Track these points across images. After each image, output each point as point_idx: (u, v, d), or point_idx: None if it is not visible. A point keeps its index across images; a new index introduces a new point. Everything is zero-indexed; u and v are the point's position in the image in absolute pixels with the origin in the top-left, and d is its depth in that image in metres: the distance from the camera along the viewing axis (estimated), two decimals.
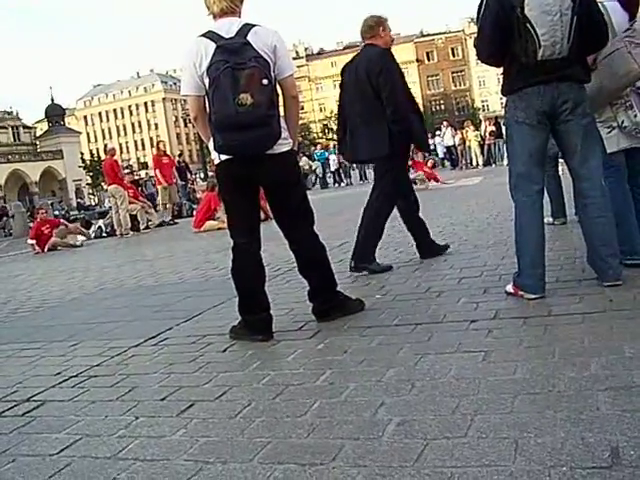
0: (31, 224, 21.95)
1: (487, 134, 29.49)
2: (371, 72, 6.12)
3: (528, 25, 4.18)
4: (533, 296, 4.41)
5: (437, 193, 16.66)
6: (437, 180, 20.65)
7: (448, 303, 4.68)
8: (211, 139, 4.37)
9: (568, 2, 4.18)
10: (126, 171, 21.70)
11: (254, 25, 4.33)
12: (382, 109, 6.08)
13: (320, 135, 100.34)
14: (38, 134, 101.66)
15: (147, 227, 19.23)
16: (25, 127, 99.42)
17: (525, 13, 4.17)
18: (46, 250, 16.48)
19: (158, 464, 2.68)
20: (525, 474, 2.15)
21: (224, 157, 4.38)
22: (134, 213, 18.84)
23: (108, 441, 3.01)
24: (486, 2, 4.36)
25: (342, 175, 34.63)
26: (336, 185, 34.03)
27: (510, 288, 4.61)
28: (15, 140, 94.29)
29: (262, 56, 4.20)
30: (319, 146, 40.14)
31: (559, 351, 3.32)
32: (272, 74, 4.26)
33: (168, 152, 25.89)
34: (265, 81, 4.14)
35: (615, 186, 4.76)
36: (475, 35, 4.67)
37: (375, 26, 6.36)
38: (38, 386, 4.07)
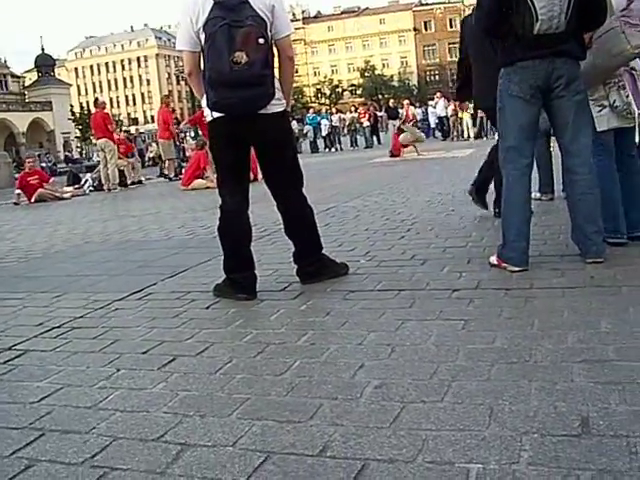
0: (17, 175, 21.85)
1: None
2: None
3: None
4: (516, 268, 4.45)
5: (427, 163, 16.65)
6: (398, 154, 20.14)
7: (432, 271, 4.72)
8: (204, 96, 4.36)
9: None
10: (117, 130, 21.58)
11: None
12: None
13: (313, 99, 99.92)
14: (27, 84, 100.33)
15: (138, 182, 19.22)
16: (13, 76, 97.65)
17: None
18: (33, 201, 16.43)
19: (138, 415, 2.71)
20: (498, 439, 2.19)
21: (216, 115, 4.37)
22: (122, 168, 18.80)
23: (89, 391, 3.04)
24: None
25: (333, 140, 34.55)
26: (326, 150, 33.95)
27: (494, 259, 4.64)
28: (2, 89, 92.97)
29: (259, 15, 4.18)
30: (311, 110, 39.98)
31: (538, 323, 3.37)
32: (269, 33, 4.26)
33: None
34: (261, 40, 4.13)
35: (603, 164, 4.79)
36: (474, 6, 4.66)
37: None
38: (20, 336, 4.08)
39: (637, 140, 5.08)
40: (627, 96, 4.78)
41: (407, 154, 19.62)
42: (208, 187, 13.52)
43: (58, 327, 4.21)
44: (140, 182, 19.54)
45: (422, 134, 20.69)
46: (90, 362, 3.45)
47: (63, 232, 9.58)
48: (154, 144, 28.95)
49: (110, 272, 5.92)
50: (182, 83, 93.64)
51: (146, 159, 32.70)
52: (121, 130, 23.97)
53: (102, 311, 4.52)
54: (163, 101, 22.75)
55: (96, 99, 20.26)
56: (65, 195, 17.25)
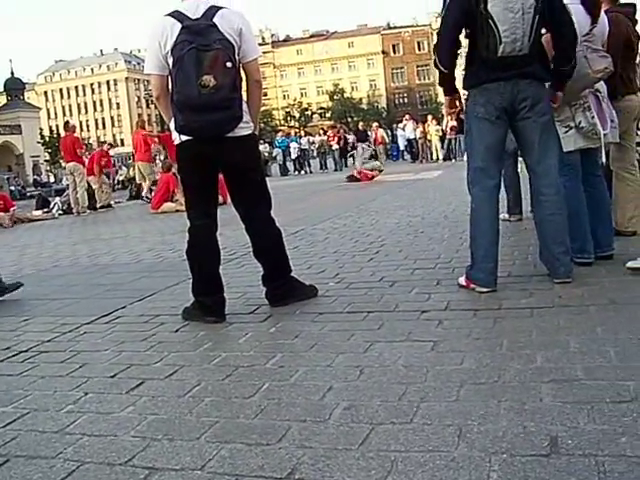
0: None
1: (448, 129, 29.63)
2: None
3: (490, 21, 4.23)
4: (484, 289, 4.47)
5: (396, 185, 16.71)
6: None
7: (401, 293, 4.73)
8: (172, 119, 4.36)
9: (531, 1, 4.24)
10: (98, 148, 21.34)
11: (221, 7, 4.33)
12: None
13: (282, 122, 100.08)
14: None
15: (107, 205, 19.09)
16: None
17: (488, 9, 4.22)
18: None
19: (105, 439, 2.68)
20: (467, 459, 2.19)
21: (184, 138, 4.37)
22: (95, 187, 18.70)
23: (56, 416, 3.00)
24: (449, 5, 4.42)
25: (302, 163, 34.63)
26: (296, 173, 34.02)
27: (462, 281, 4.67)
28: None
29: (227, 39, 4.20)
30: (280, 133, 40.05)
31: (507, 343, 3.39)
32: (236, 57, 4.27)
33: (129, 132, 25.63)
34: (229, 64, 4.14)
35: (570, 185, 4.84)
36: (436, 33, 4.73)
37: None
38: None
39: (603, 160, 5.16)
40: (592, 117, 4.86)
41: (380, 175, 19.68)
42: (177, 210, 13.45)
43: (25, 351, 4.16)
44: (109, 205, 19.40)
45: (379, 163, 20.66)
46: (57, 386, 3.41)
47: (31, 256, 9.49)
48: (124, 167, 28.85)
49: (78, 296, 5.87)
50: (152, 106, 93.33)
51: (115, 182, 32.54)
52: (104, 143, 23.49)
53: (70, 335, 4.48)
54: (139, 125, 22.63)
55: (67, 122, 20.08)
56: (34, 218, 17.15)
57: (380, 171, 19.95)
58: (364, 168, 19.59)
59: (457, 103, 4.79)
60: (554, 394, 2.68)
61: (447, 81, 4.60)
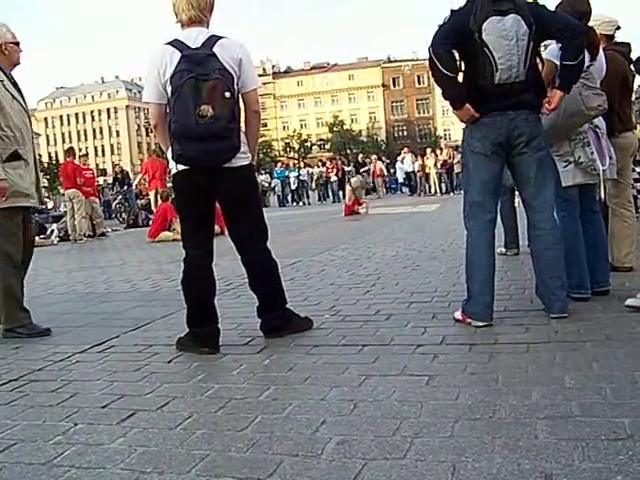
0: None
1: (439, 164, 30.01)
2: None
3: (485, 49, 4.26)
4: (480, 324, 4.45)
5: (394, 218, 16.74)
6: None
7: (396, 326, 4.70)
8: (170, 148, 4.36)
9: (524, 28, 4.27)
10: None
11: (221, 37, 4.35)
12: None
13: (282, 153, 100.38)
14: None
15: (101, 234, 19.00)
16: None
17: (483, 37, 4.25)
18: None
19: (93, 472, 2.64)
20: None
21: (181, 167, 4.36)
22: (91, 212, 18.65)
23: (44, 447, 2.95)
24: (442, 25, 4.42)
25: (301, 194, 34.72)
26: (294, 204, 34.08)
27: (458, 315, 4.65)
28: None
29: (226, 69, 4.21)
30: (280, 164, 40.15)
31: (502, 379, 3.36)
32: (235, 87, 4.28)
33: (128, 160, 25.64)
34: (227, 94, 4.15)
35: (568, 220, 4.86)
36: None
37: None
38: None
39: (602, 196, 5.18)
40: (592, 153, 4.88)
41: (371, 209, 19.55)
42: (175, 239, 13.41)
43: (15, 380, 4.11)
44: (103, 234, 19.27)
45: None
46: (47, 416, 3.37)
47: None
48: (120, 195, 28.77)
49: (72, 324, 5.83)
50: (151, 135, 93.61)
51: (112, 209, 32.44)
52: (82, 156, 23.07)
53: (62, 364, 4.44)
54: (155, 152, 22.51)
55: (70, 149, 20.01)
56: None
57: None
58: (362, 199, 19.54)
59: (472, 111, 4.50)
60: (549, 431, 2.66)
61: (453, 88, 4.49)
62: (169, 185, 20.45)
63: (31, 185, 5.55)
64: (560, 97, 4.49)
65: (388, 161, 38.54)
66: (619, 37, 6.18)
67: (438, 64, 4.37)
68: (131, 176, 33.31)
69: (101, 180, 55.85)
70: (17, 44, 5.55)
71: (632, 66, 5.86)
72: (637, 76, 6.06)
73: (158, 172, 20.50)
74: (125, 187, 27.77)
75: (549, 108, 4.51)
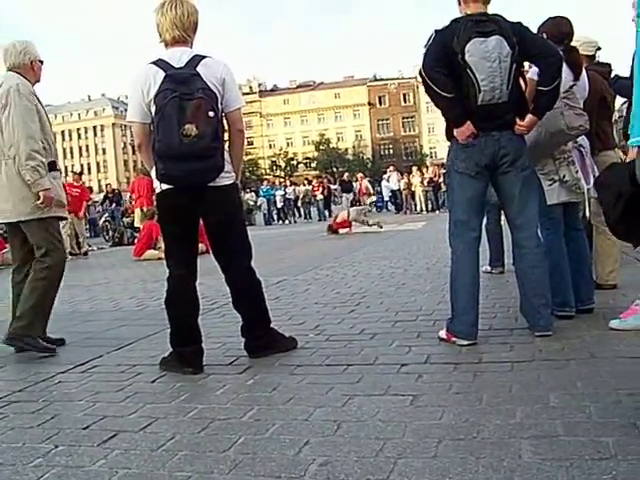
0: None
1: (425, 182, 30.13)
2: None
3: (468, 70, 4.28)
4: (465, 342, 4.45)
5: (379, 236, 16.73)
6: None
7: (381, 345, 4.69)
8: (154, 167, 4.35)
9: (507, 49, 4.29)
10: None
11: (205, 56, 4.36)
12: None
13: (268, 171, 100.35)
14: None
15: (84, 254, 18.91)
16: None
17: (466, 59, 4.27)
18: None
19: None
20: None
21: (165, 186, 4.36)
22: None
23: (22, 470, 2.91)
24: (429, 44, 4.43)
25: (287, 213, 34.74)
26: (280, 222, 34.09)
27: (443, 334, 4.64)
28: None
29: (210, 88, 4.22)
30: (266, 182, 40.21)
31: (486, 398, 3.36)
32: (219, 106, 4.28)
33: (114, 178, 25.60)
34: (211, 113, 4.15)
35: (552, 238, 4.88)
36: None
37: None
38: None
39: (587, 214, 5.20)
40: (576, 172, 4.91)
41: (357, 228, 19.44)
42: (160, 258, 13.33)
43: None
44: (86, 253, 19.16)
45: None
46: (27, 438, 3.32)
47: (7, 301, 9.35)
48: (107, 213, 28.73)
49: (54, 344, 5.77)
50: (137, 153, 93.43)
51: (99, 227, 32.33)
52: (75, 173, 22.96)
53: (43, 384, 4.39)
54: (142, 171, 22.49)
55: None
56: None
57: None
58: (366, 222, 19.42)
59: (472, 127, 4.44)
60: (533, 451, 2.65)
61: (452, 108, 4.48)
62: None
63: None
64: (533, 122, 4.51)
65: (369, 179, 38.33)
66: (600, 57, 6.24)
67: (434, 87, 4.38)
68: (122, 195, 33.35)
69: None
70: (42, 62, 5.67)
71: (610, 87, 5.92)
72: (617, 96, 6.11)
73: (144, 190, 20.44)
74: (113, 205, 27.79)
75: (519, 129, 4.50)
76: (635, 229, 3.45)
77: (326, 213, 32.87)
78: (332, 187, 34.83)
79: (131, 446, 3.10)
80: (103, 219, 28.45)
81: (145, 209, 19.18)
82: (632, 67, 3.87)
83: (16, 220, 5.39)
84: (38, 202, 5.25)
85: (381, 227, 18.88)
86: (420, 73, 4.48)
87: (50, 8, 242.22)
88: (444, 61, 4.36)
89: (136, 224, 21.19)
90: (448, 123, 4.61)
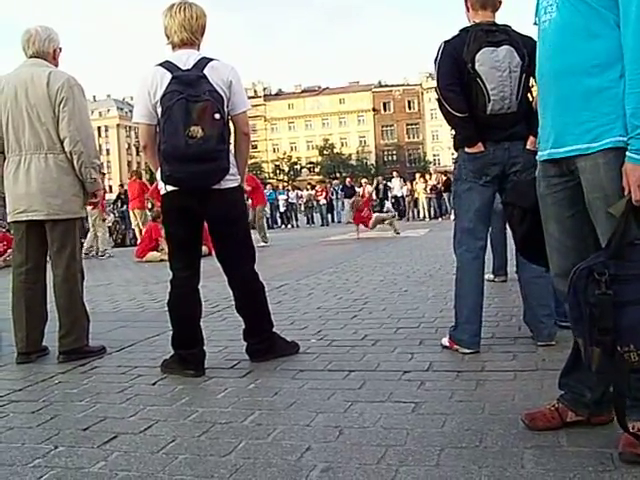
0: None
1: (442, 186, 30.03)
2: None
3: (478, 79, 4.26)
4: (468, 351, 4.43)
5: (382, 243, 16.72)
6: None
7: (383, 352, 4.68)
8: (159, 169, 4.34)
9: (517, 60, 4.28)
10: None
11: (212, 59, 4.36)
12: None
13: (271, 175, 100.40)
14: None
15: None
16: None
17: (476, 68, 4.26)
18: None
19: None
20: None
21: (170, 188, 4.35)
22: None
23: (21, 471, 2.89)
24: (440, 57, 4.43)
25: (290, 217, 34.75)
26: (283, 226, 34.10)
27: (446, 341, 4.63)
28: None
29: (217, 90, 4.22)
30: (269, 186, 40.18)
31: (489, 407, 3.34)
32: (225, 109, 4.28)
33: (118, 179, 25.60)
34: (217, 115, 4.14)
35: None
36: (434, 89, 4.71)
37: None
38: None
39: None
40: None
41: (362, 233, 19.48)
42: (162, 259, 13.34)
43: None
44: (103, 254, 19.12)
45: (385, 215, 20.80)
46: (26, 438, 3.31)
47: (6, 301, 9.34)
48: (111, 214, 28.75)
49: (55, 344, 5.76)
50: (142, 154, 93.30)
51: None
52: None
53: (44, 384, 4.38)
54: (135, 174, 22.50)
55: None
56: None
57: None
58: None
59: (482, 147, 4.45)
60: (536, 461, 2.64)
61: (465, 128, 4.47)
62: (148, 205, 20.51)
63: None
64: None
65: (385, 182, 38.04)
66: None
67: (448, 107, 4.41)
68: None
69: None
70: (61, 50, 5.45)
71: None
72: None
73: (136, 193, 20.48)
74: (124, 207, 27.75)
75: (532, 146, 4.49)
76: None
77: (329, 217, 32.86)
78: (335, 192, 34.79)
79: (131, 448, 3.09)
80: (112, 219, 28.44)
81: (137, 211, 19.34)
82: None
83: (64, 217, 5.13)
84: (94, 200, 5.28)
85: (398, 233, 19.26)
86: (435, 90, 4.49)
87: (55, 8, 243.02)
88: (457, 75, 4.36)
89: (133, 226, 21.26)
90: (456, 135, 4.60)
